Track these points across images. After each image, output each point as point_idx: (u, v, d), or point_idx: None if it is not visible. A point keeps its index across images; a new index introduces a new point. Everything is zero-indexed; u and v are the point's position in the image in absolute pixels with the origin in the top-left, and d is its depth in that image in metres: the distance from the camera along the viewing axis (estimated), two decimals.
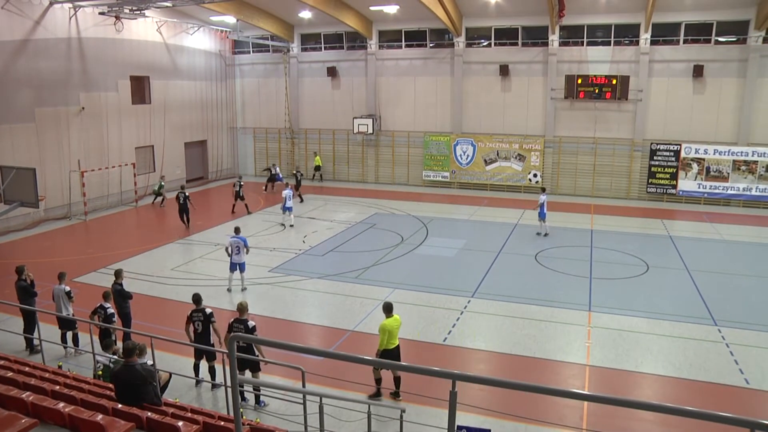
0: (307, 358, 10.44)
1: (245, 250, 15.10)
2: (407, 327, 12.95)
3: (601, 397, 4.24)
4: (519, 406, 9.19)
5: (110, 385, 7.82)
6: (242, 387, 9.55)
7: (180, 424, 6.05)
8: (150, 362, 7.89)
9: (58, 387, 7.15)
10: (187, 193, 21.72)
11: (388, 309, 9.95)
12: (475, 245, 19.61)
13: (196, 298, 10.31)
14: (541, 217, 20.35)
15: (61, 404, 5.99)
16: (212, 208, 25.77)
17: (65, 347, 11.50)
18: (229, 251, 15.12)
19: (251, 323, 9.57)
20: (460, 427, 4.72)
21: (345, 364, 10.05)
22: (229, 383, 8.48)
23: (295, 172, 28.20)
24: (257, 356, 9.54)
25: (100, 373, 9.19)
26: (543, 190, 21.79)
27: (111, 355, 9.26)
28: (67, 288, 11.54)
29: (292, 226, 21.76)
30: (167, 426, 6.00)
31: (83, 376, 9.45)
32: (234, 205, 24.33)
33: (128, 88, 26.77)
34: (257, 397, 9.59)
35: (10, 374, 7.52)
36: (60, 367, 9.91)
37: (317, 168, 32.29)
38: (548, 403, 9.47)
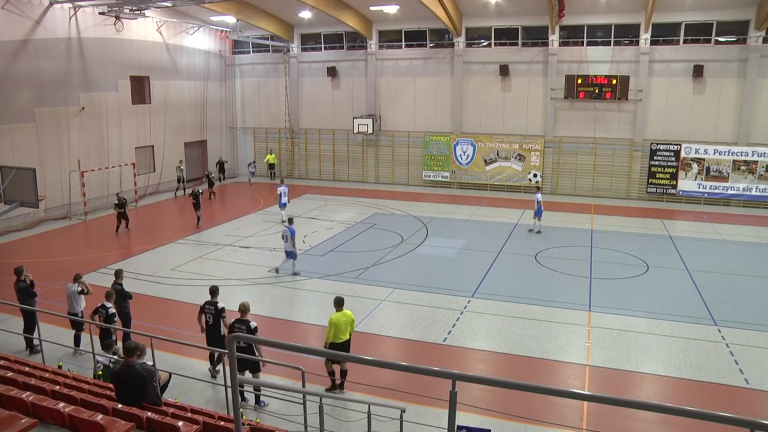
0: (307, 358, 10.44)
1: (291, 241, 15.97)
2: (408, 327, 12.99)
3: (601, 397, 4.24)
4: (519, 406, 9.18)
5: (110, 385, 7.81)
6: (242, 387, 9.56)
7: (180, 424, 6.05)
8: (150, 362, 7.89)
9: (58, 387, 7.14)
10: (124, 198, 21.69)
11: (338, 303, 10.08)
12: (475, 245, 19.61)
13: (213, 290, 10.49)
14: (538, 215, 20.82)
15: (61, 404, 5.98)
16: (211, 208, 25.74)
17: (76, 349, 11.51)
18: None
19: (253, 324, 9.57)
20: (460, 427, 4.71)
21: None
22: (229, 383, 8.48)
23: (207, 173, 28.63)
24: (257, 357, 9.54)
25: (100, 373, 9.18)
26: (538, 189, 21.95)
27: (111, 355, 9.26)
28: (79, 288, 11.67)
29: (284, 222, 22.22)
30: (167, 426, 6.00)
31: (83, 376, 9.44)
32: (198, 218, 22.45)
33: (128, 88, 26.77)
34: (257, 397, 9.59)
35: (10, 374, 7.52)
36: (60, 367, 9.90)
37: (271, 166, 32.74)
38: (548, 403, 9.47)
